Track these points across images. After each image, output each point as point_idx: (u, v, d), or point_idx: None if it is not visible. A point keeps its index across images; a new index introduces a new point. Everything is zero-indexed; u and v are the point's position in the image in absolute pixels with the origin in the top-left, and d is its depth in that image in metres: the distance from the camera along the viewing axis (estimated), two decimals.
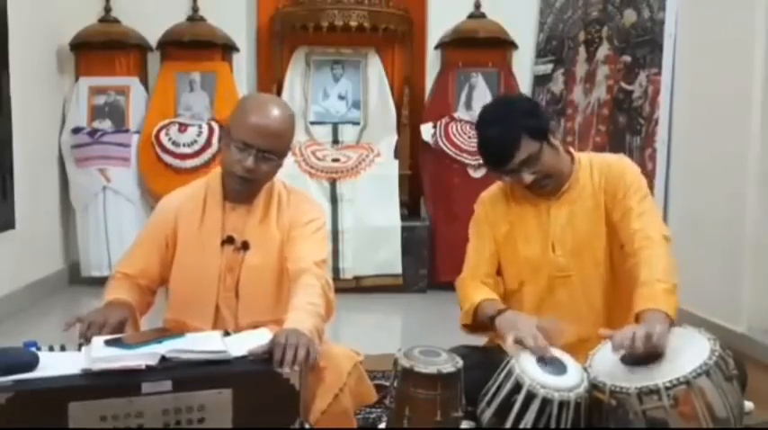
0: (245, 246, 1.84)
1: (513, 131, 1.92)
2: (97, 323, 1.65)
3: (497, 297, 2.01)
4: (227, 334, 1.66)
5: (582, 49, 4.25)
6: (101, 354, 1.45)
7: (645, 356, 1.69)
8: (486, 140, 1.97)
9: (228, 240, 1.85)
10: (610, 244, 2.00)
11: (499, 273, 2.10)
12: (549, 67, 4.53)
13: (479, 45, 4.56)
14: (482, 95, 4.57)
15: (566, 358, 1.77)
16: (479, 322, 1.99)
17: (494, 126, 1.95)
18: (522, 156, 1.92)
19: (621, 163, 2.04)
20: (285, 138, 1.82)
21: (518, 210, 2.06)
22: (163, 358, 1.45)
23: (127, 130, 4.35)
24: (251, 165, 1.76)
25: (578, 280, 2.00)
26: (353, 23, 4.44)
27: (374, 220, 4.27)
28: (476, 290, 2.02)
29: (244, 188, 1.83)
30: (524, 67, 4.69)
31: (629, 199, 1.95)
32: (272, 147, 1.78)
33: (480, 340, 2.14)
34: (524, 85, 4.67)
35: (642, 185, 2.00)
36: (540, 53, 4.64)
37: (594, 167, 2.02)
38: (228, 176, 1.83)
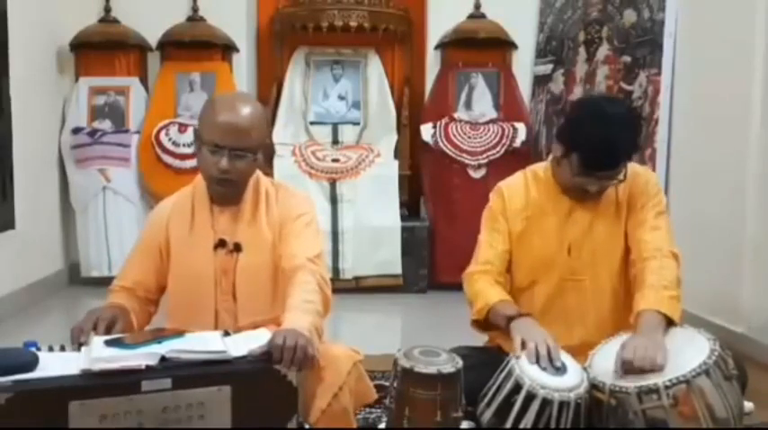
0: (238, 248, 1.83)
1: (634, 145, 1.92)
2: (90, 320, 1.67)
3: (511, 299, 1.98)
4: (226, 334, 1.66)
5: (582, 50, 4.25)
6: (101, 354, 1.45)
7: None
8: (609, 138, 1.84)
9: (221, 243, 1.84)
10: (627, 254, 1.98)
11: (509, 269, 2.06)
12: (549, 67, 4.53)
13: (479, 45, 4.56)
14: (482, 96, 4.57)
15: (566, 358, 1.77)
16: (491, 321, 1.97)
17: (623, 129, 1.87)
18: (619, 169, 1.90)
19: (647, 175, 2.04)
20: (255, 133, 1.79)
21: (537, 205, 2.02)
22: (163, 358, 1.45)
23: (127, 131, 4.35)
24: (225, 165, 1.75)
25: (590, 286, 1.99)
26: (353, 24, 4.44)
27: (374, 221, 4.27)
28: (491, 288, 1.98)
29: (225, 189, 1.81)
30: (524, 67, 4.69)
31: (647, 211, 1.96)
32: (244, 145, 1.76)
33: (480, 340, 2.14)
34: (524, 85, 4.67)
35: (662, 201, 2.00)
36: (540, 53, 4.64)
37: None
38: (207, 180, 1.82)
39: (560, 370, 1.73)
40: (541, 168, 2.08)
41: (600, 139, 1.85)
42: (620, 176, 1.92)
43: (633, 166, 2.03)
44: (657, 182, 2.05)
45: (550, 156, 2.06)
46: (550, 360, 1.74)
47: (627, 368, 1.67)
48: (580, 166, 1.88)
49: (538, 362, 1.74)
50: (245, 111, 1.77)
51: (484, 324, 2.01)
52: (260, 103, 1.93)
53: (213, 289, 1.84)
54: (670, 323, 1.79)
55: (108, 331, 1.67)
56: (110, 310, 1.75)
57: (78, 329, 1.66)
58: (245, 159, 1.78)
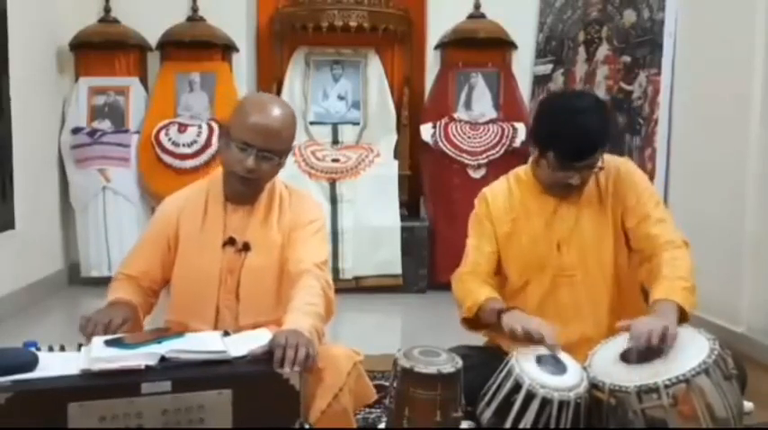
0: (246, 247, 1.85)
1: (608, 128, 1.92)
2: (102, 323, 1.66)
3: (500, 297, 1.99)
4: (226, 334, 1.66)
5: (581, 50, 4.25)
6: (100, 354, 1.45)
7: (647, 352, 1.70)
8: (581, 127, 1.85)
9: (230, 241, 1.85)
10: (615, 246, 2.00)
11: (498, 271, 2.08)
12: (549, 67, 4.53)
13: (479, 45, 4.56)
14: (482, 96, 4.58)
15: (565, 358, 1.78)
16: (480, 319, 1.98)
17: (593, 115, 1.88)
18: (596, 157, 1.90)
19: (628, 167, 2.04)
20: (285, 137, 1.83)
21: (522, 207, 2.05)
22: (162, 358, 1.45)
23: (126, 131, 4.35)
24: (251, 164, 1.76)
25: (583, 280, 2.00)
26: (353, 24, 4.44)
27: (374, 221, 4.27)
28: (480, 286, 2.00)
29: (246, 188, 1.83)
30: (524, 67, 4.69)
31: (645, 205, 1.96)
32: (272, 147, 1.78)
33: (480, 340, 2.14)
34: (524, 85, 4.67)
35: (654, 191, 2.03)
36: (540, 53, 4.64)
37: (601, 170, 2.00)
38: (230, 176, 1.84)
39: (560, 369, 1.73)
40: (523, 170, 2.10)
41: (571, 130, 1.86)
42: (600, 164, 1.93)
43: (612, 159, 2.03)
44: (641, 172, 2.06)
45: (531, 158, 2.07)
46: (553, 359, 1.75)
47: (638, 339, 1.69)
48: (558, 162, 1.90)
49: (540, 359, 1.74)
50: (280, 114, 1.80)
51: (473, 322, 2.02)
52: None
53: (217, 285, 1.85)
54: (683, 316, 1.79)
55: (113, 331, 1.66)
56: (122, 312, 1.74)
57: (91, 324, 1.65)
58: (271, 161, 1.80)
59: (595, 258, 2.00)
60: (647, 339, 1.68)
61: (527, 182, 2.06)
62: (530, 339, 1.79)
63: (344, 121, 4.75)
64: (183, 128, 4.30)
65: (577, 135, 1.86)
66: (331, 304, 1.80)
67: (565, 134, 1.87)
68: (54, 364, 1.43)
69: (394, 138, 4.59)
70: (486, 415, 1.74)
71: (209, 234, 1.86)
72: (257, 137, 1.76)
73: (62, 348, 1.57)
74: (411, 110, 4.65)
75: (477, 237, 2.08)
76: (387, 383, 1.81)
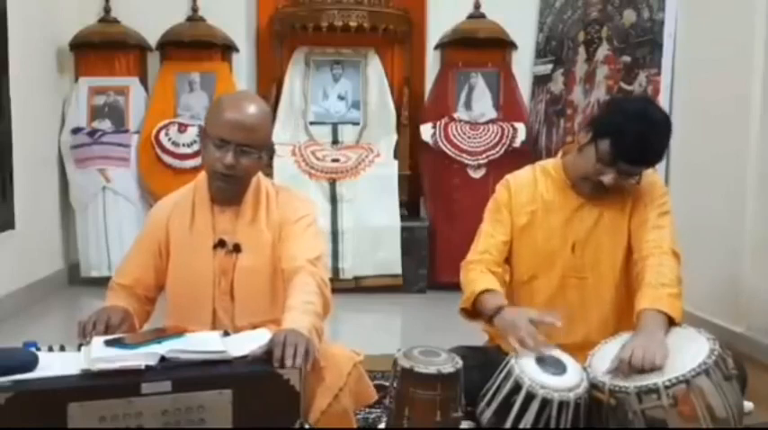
0: (237, 248, 1.84)
1: (664, 152, 1.93)
2: (102, 321, 1.67)
3: (500, 288, 1.95)
4: (226, 334, 1.66)
5: (581, 50, 4.25)
6: (100, 354, 1.45)
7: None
8: (650, 136, 1.87)
9: (220, 243, 1.85)
10: (629, 252, 1.98)
11: (507, 261, 2.05)
12: (549, 67, 4.53)
13: (479, 45, 4.56)
14: (481, 96, 4.58)
15: (565, 358, 1.78)
16: (478, 311, 1.95)
17: (663, 135, 1.90)
18: (642, 169, 1.91)
19: (654, 176, 2.04)
20: (262, 131, 1.82)
21: (544, 200, 2.02)
22: (162, 358, 1.45)
23: (126, 131, 4.35)
24: (231, 160, 1.76)
25: (592, 283, 1.99)
26: (353, 24, 4.44)
27: (374, 221, 4.27)
28: (480, 276, 1.97)
29: (228, 186, 1.82)
30: (524, 67, 4.69)
31: (651, 210, 1.96)
32: (250, 141, 1.77)
33: (480, 340, 2.14)
34: (524, 86, 4.67)
35: (667, 202, 2.00)
36: (540, 53, 4.64)
37: None
38: (211, 176, 1.83)
39: (560, 369, 1.73)
40: (551, 164, 2.08)
41: (639, 132, 1.84)
42: (636, 178, 1.92)
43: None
44: (663, 183, 2.06)
45: (560, 154, 2.06)
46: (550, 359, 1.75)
47: (623, 369, 1.67)
48: (608, 153, 1.86)
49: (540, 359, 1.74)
50: (254, 108, 1.80)
51: (471, 312, 1.99)
52: None
53: (211, 288, 1.84)
54: (671, 321, 1.78)
55: (112, 332, 1.67)
56: (119, 312, 1.76)
57: (89, 323, 1.67)
58: (251, 156, 1.79)
59: (609, 263, 1.98)
60: (638, 371, 1.66)
61: (554, 177, 2.03)
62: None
63: (344, 121, 4.74)
64: (182, 128, 4.30)
65: (641, 139, 1.84)
66: (328, 302, 1.79)
67: (630, 133, 1.84)
68: (54, 364, 1.43)
69: (394, 138, 4.59)
70: (487, 415, 1.74)
71: (199, 237, 1.86)
72: (234, 131, 1.75)
73: (62, 348, 1.57)
74: (411, 110, 4.65)
75: (492, 224, 2.05)
76: (387, 383, 1.81)
